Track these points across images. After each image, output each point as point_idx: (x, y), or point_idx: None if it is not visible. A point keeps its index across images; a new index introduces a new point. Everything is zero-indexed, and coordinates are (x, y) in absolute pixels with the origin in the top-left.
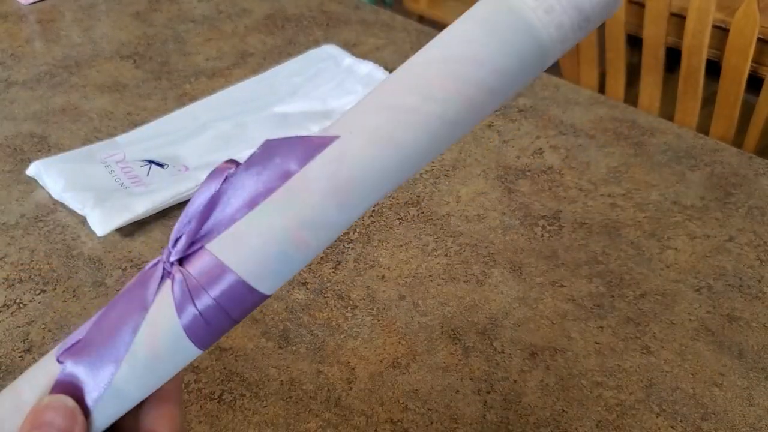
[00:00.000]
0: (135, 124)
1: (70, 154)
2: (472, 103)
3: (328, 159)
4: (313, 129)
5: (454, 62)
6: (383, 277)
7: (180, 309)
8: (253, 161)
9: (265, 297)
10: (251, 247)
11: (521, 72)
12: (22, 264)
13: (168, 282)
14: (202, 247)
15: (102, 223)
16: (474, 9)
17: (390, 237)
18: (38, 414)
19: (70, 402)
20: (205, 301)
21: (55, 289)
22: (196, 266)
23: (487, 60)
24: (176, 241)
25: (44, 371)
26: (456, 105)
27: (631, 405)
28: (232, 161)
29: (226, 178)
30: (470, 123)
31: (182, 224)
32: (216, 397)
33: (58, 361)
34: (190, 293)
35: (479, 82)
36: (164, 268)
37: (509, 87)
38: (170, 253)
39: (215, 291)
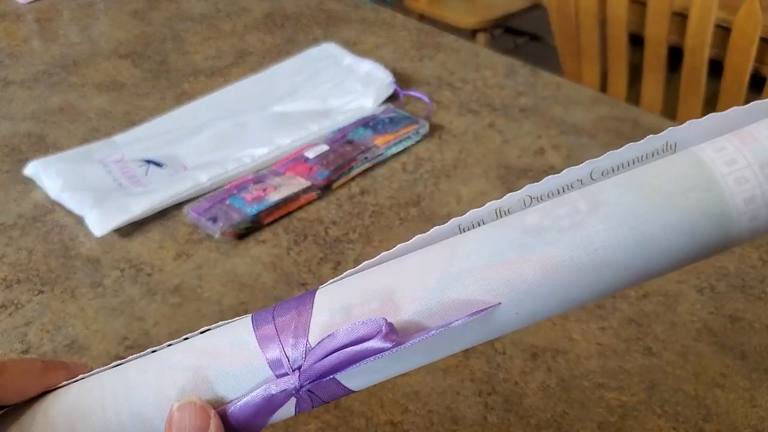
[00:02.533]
0: (133, 124)
1: (68, 153)
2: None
3: (481, 322)
4: (313, 128)
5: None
6: None
7: (299, 411)
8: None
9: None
10: (371, 378)
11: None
12: (20, 264)
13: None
14: (334, 379)
15: (100, 223)
16: (675, 171)
17: (390, 237)
18: (171, 420)
19: (199, 400)
20: (318, 404)
21: (53, 289)
22: (325, 391)
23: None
24: (307, 370)
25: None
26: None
27: (633, 406)
28: (391, 330)
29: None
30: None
31: (318, 357)
32: None
33: None
34: (312, 406)
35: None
36: (293, 390)
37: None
38: (302, 385)
39: (329, 398)
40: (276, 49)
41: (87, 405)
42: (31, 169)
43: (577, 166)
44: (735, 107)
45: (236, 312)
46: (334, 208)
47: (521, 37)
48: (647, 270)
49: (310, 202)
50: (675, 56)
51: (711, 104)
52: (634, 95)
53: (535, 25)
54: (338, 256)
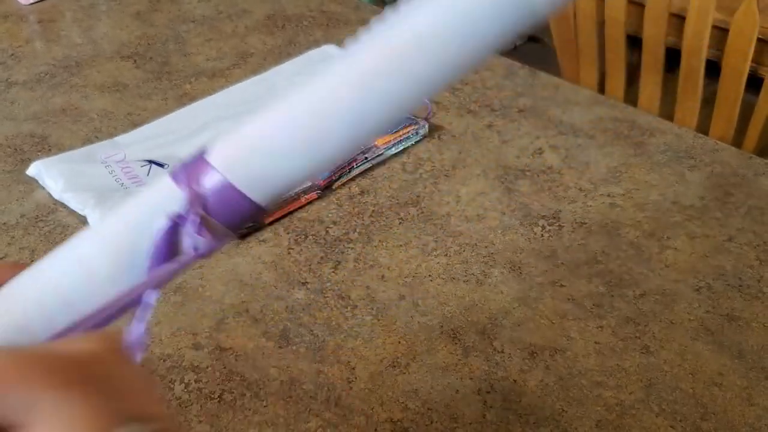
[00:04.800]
0: (135, 124)
1: (70, 154)
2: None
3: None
4: None
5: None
6: (383, 276)
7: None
8: None
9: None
10: (272, 178)
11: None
12: (22, 264)
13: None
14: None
15: None
16: None
17: (390, 237)
18: None
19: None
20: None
21: None
22: (220, 201)
23: (488, 38)
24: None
25: None
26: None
27: (630, 405)
28: None
29: None
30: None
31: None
32: (216, 396)
33: None
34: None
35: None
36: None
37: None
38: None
39: (230, 213)
40: (277, 50)
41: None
42: (33, 170)
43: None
44: None
45: (237, 311)
46: (334, 207)
47: (519, 38)
48: (466, 52)
49: (310, 202)
50: (672, 57)
51: (708, 105)
52: (631, 96)
53: (534, 27)
54: (338, 256)
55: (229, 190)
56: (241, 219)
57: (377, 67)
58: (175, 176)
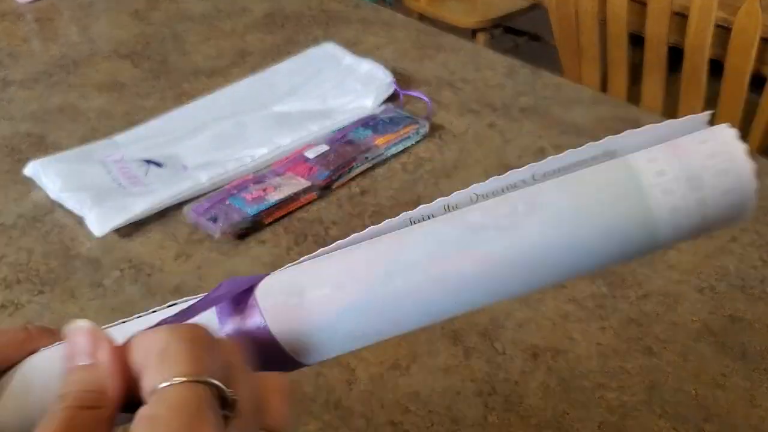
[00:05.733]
0: (133, 124)
1: (68, 153)
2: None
3: (418, 311)
4: (313, 128)
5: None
6: None
7: None
8: None
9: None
10: (324, 348)
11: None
12: (19, 264)
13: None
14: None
15: (100, 223)
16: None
17: None
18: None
19: (89, 324)
20: None
21: (53, 289)
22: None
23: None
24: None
25: None
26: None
27: (633, 406)
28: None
29: None
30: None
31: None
32: None
33: None
34: None
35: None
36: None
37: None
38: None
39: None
40: (276, 49)
41: (50, 368)
42: (31, 169)
43: (519, 169)
44: (671, 120)
45: None
46: (334, 208)
47: (521, 36)
48: (576, 269)
49: (310, 202)
50: (675, 56)
51: (711, 104)
52: (634, 95)
53: (535, 25)
54: None
55: (267, 339)
56: (275, 366)
57: (471, 272)
58: (221, 317)
